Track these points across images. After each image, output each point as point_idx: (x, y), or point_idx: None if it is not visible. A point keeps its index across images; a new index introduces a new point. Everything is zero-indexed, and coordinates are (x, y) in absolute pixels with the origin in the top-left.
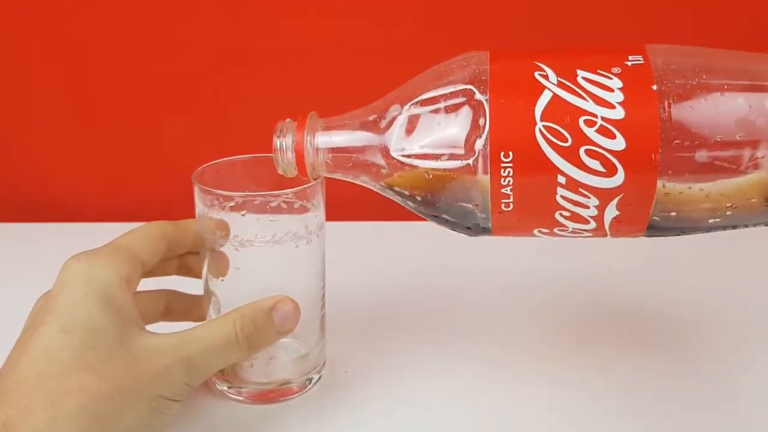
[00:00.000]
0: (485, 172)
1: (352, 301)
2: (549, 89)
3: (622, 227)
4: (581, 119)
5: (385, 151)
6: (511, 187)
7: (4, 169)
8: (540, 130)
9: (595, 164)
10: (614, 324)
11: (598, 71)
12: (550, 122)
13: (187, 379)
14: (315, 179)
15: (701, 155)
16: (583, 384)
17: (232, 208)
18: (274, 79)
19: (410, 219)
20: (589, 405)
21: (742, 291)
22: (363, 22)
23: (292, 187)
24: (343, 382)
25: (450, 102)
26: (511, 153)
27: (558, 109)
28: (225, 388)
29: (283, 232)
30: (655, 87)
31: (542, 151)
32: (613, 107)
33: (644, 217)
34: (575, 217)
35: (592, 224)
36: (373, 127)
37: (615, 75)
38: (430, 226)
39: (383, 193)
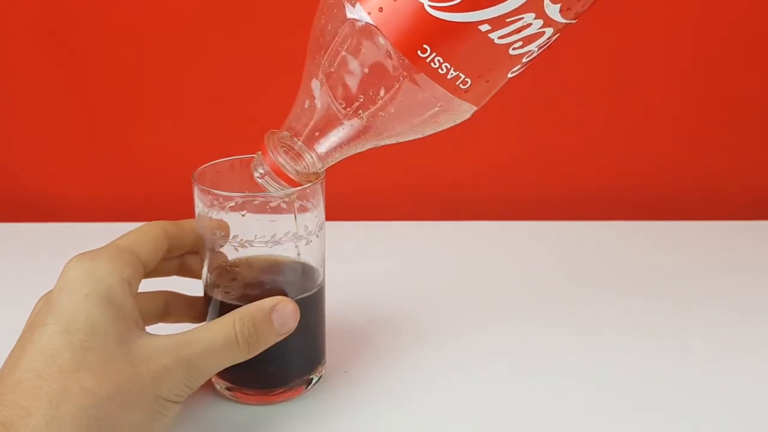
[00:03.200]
0: (424, 78)
1: (352, 301)
2: None
3: (574, 7)
4: None
5: (337, 118)
6: (452, 69)
7: (4, 169)
8: (429, 6)
9: None
10: (617, 321)
11: None
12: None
13: (187, 380)
14: (315, 179)
15: None
16: (585, 384)
17: (232, 209)
18: (274, 79)
19: (410, 219)
20: (592, 407)
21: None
22: None
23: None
24: (343, 382)
25: (347, 45)
26: (425, 46)
27: None
28: (225, 388)
29: (283, 232)
30: None
31: (447, 20)
32: None
33: None
34: (529, 39)
35: (549, 30)
36: (315, 111)
37: None
38: (430, 226)
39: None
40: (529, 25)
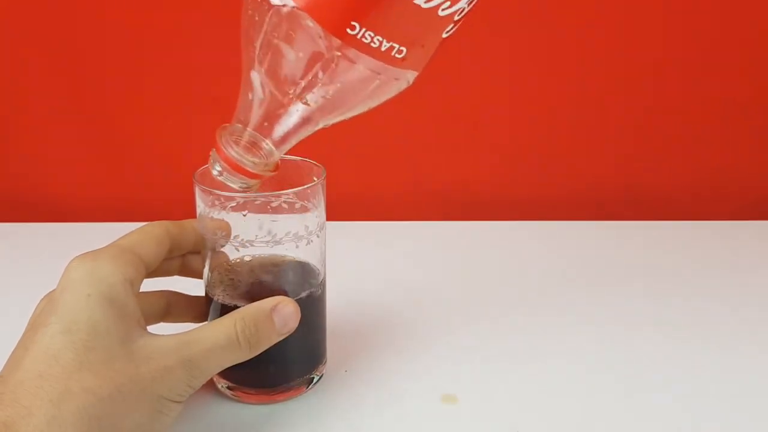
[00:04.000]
0: (357, 54)
1: (352, 301)
2: None
3: None
4: None
5: (282, 105)
6: (385, 40)
7: (4, 169)
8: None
9: None
10: (616, 321)
11: None
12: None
13: (188, 380)
14: (274, 170)
15: None
16: (585, 384)
17: (233, 209)
18: None
19: (411, 219)
20: (591, 406)
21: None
22: None
23: (292, 188)
24: (343, 381)
25: (276, 33)
26: (354, 23)
27: None
28: (226, 387)
29: (284, 232)
30: None
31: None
32: None
33: None
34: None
35: None
36: (260, 102)
37: None
38: (430, 226)
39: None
40: None
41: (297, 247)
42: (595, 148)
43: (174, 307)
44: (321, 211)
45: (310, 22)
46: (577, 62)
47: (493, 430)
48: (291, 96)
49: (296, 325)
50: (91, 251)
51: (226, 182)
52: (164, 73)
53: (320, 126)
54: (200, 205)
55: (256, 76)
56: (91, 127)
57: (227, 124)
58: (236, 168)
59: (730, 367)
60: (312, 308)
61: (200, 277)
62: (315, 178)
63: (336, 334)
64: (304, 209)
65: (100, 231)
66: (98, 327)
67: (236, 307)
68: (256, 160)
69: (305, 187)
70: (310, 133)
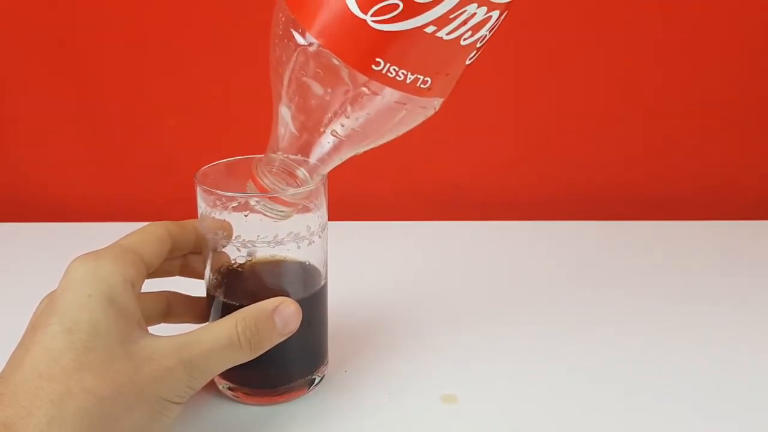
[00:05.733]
0: (383, 88)
1: (354, 302)
2: None
3: None
4: None
5: (313, 138)
6: (409, 73)
7: (4, 169)
8: (372, 21)
9: None
10: (616, 321)
11: None
12: (372, 7)
13: (188, 381)
14: (308, 198)
15: None
16: (585, 384)
17: (235, 209)
18: None
19: (411, 219)
20: (592, 405)
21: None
22: None
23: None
24: (343, 382)
25: (304, 71)
26: (378, 59)
27: None
28: (227, 388)
29: (285, 232)
30: None
31: (391, 31)
32: None
33: None
34: (477, 27)
35: (495, 13)
36: (292, 136)
37: None
38: (430, 226)
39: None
40: (474, 14)
41: (299, 247)
42: (595, 148)
43: (175, 308)
44: (323, 211)
45: (335, 60)
46: (578, 62)
47: (493, 430)
48: (321, 129)
49: (298, 326)
50: (93, 251)
51: (264, 212)
52: (164, 73)
53: (351, 154)
54: (201, 205)
55: (286, 111)
56: (91, 127)
57: (262, 155)
58: (274, 199)
59: (731, 367)
60: (313, 309)
61: (201, 277)
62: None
63: (337, 335)
64: (306, 209)
65: (100, 231)
66: (99, 327)
67: (237, 307)
68: (292, 189)
69: (307, 187)
70: (342, 161)
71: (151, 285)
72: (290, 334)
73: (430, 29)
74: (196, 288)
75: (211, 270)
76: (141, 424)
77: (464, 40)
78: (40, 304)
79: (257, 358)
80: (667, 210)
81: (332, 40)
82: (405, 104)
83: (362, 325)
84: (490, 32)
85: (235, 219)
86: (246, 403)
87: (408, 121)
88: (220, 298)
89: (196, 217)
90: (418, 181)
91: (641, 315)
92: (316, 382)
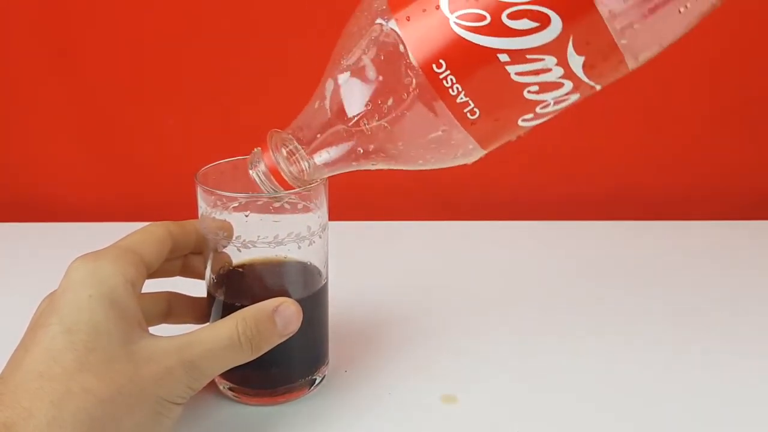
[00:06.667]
0: (433, 95)
1: (354, 302)
2: None
3: (599, 68)
4: None
5: (348, 128)
6: (463, 93)
7: (4, 169)
8: (455, 22)
9: (524, 24)
10: (616, 321)
11: None
12: (460, 10)
13: (189, 382)
14: (308, 185)
15: None
16: (586, 384)
17: (236, 209)
18: (276, 78)
19: (411, 219)
20: (593, 406)
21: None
22: None
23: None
24: (343, 382)
25: (368, 49)
26: (441, 61)
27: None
28: (228, 388)
29: (286, 232)
30: None
31: (468, 40)
32: None
33: (612, 44)
34: (546, 87)
35: (568, 84)
36: (323, 114)
37: None
38: (430, 226)
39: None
40: (549, 70)
41: (299, 247)
42: (595, 148)
43: (175, 308)
44: (323, 211)
45: (401, 48)
46: None
47: (493, 431)
48: (355, 116)
49: (298, 327)
50: (93, 252)
51: (257, 181)
52: (166, 72)
53: (362, 166)
54: (202, 206)
55: (330, 85)
56: (91, 127)
57: (279, 130)
58: (276, 174)
59: (731, 367)
60: (314, 309)
61: (202, 277)
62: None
63: (338, 335)
64: (307, 209)
65: (101, 231)
66: (99, 328)
67: (238, 307)
68: (295, 173)
69: (308, 187)
70: (349, 170)
71: (152, 285)
72: (291, 335)
73: (503, 57)
74: (196, 288)
75: (212, 270)
76: (141, 425)
77: (529, 91)
78: (40, 304)
79: (258, 358)
80: (667, 210)
81: (408, 27)
82: (443, 126)
83: (362, 325)
84: (554, 104)
85: (235, 219)
86: (246, 404)
87: (435, 150)
88: (221, 298)
89: (197, 218)
90: (418, 180)
91: (641, 314)
92: (316, 382)
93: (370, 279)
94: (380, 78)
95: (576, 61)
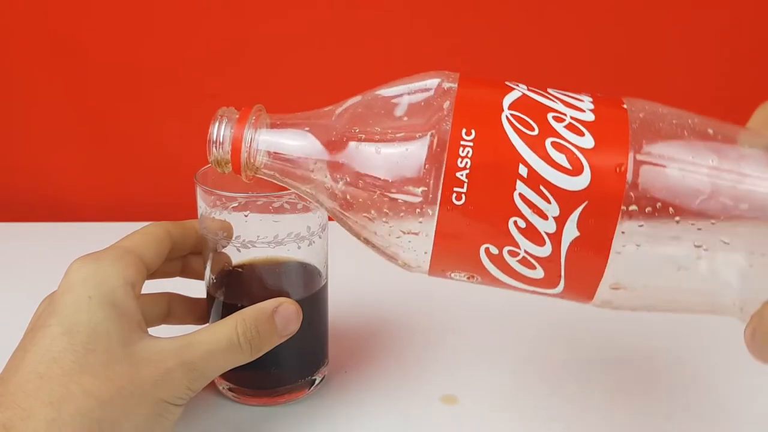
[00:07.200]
0: (442, 149)
1: (353, 302)
2: (518, 90)
3: (579, 261)
4: (549, 115)
5: (334, 167)
6: (467, 171)
7: (4, 169)
8: (507, 116)
9: (561, 158)
10: (616, 320)
11: (568, 92)
12: (516, 111)
13: (188, 383)
14: (248, 180)
15: (672, 171)
16: (587, 384)
17: (235, 209)
18: (276, 79)
19: None
20: (598, 407)
21: None
22: (364, 23)
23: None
24: (343, 382)
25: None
26: (473, 131)
27: (526, 103)
28: (227, 389)
29: (285, 233)
30: (625, 105)
31: (506, 134)
32: (583, 111)
33: (606, 245)
34: (530, 232)
35: (547, 248)
36: (325, 136)
37: (584, 95)
38: None
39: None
40: (546, 217)
41: (299, 247)
42: None
43: (175, 309)
44: (323, 211)
45: (447, 104)
46: (579, 62)
47: (493, 431)
48: (347, 130)
49: (298, 327)
50: (93, 253)
51: (211, 137)
52: (164, 73)
53: (299, 186)
54: (201, 206)
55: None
56: (91, 127)
57: (263, 110)
58: (235, 150)
59: (732, 367)
60: (314, 309)
61: (201, 278)
62: None
63: (337, 335)
64: (306, 209)
65: (101, 231)
66: (99, 329)
67: (238, 308)
68: (252, 163)
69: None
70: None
71: (152, 286)
72: (290, 335)
73: (522, 170)
74: (196, 288)
75: (212, 270)
76: (141, 427)
77: (515, 221)
78: (39, 306)
79: (258, 358)
80: None
81: (462, 109)
82: (426, 191)
83: (362, 325)
84: (517, 263)
85: (235, 219)
86: (246, 404)
87: (392, 220)
88: (221, 298)
89: (197, 218)
90: None
91: (642, 314)
92: (316, 382)
93: (370, 279)
94: (404, 119)
95: (570, 231)
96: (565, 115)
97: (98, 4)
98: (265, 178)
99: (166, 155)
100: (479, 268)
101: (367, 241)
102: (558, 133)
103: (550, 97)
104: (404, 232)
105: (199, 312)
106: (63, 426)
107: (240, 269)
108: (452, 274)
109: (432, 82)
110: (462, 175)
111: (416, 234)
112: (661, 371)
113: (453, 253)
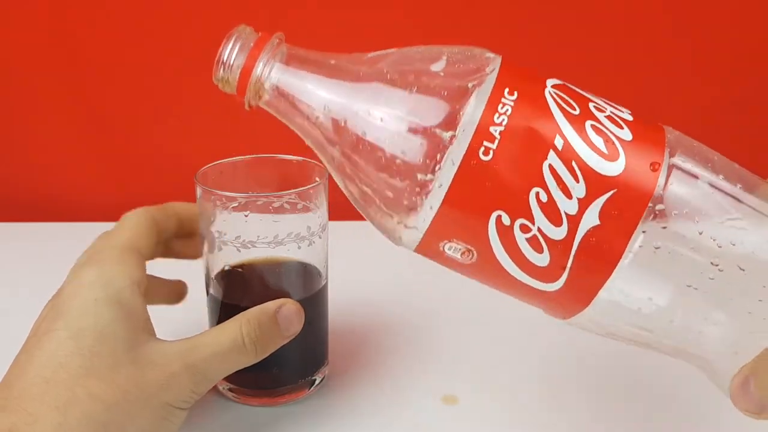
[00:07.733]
0: (481, 101)
1: (353, 302)
2: (559, 80)
3: (590, 253)
4: (590, 104)
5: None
6: (502, 128)
7: (4, 169)
8: (549, 92)
9: (598, 141)
10: None
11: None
12: (560, 91)
13: (193, 386)
14: (249, 108)
15: (703, 185)
16: (587, 384)
17: (235, 209)
18: None
19: None
20: (596, 407)
21: None
22: (364, 23)
23: (295, 188)
24: (343, 382)
25: (458, 96)
26: (516, 92)
27: (568, 89)
28: (228, 389)
29: (285, 233)
30: (663, 127)
31: (548, 105)
32: (623, 112)
33: (624, 240)
34: (550, 208)
35: (563, 230)
36: (350, 76)
37: (623, 108)
38: None
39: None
40: (570, 196)
41: (299, 248)
42: None
43: (149, 291)
44: (323, 211)
45: (469, 108)
46: (579, 62)
47: (493, 431)
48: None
49: (300, 328)
50: (93, 254)
51: (221, 57)
52: (164, 72)
53: (305, 130)
54: (201, 206)
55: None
56: (91, 127)
57: (282, 40)
58: (245, 71)
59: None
60: (314, 309)
61: (182, 258)
62: (317, 179)
63: (337, 335)
64: (306, 209)
65: (101, 231)
66: (106, 332)
67: (238, 308)
68: (258, 93)
69: (307, 187)
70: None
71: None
72: (293, 336)
73: (558, 142)
74: (173, 271)
75: (212, 270)
76: (146, 430)
77: (537, 194)
78: (43, 310)
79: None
80: None
81: (507, 72)
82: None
83: (362, 325)
84: (526, 241)
85: (235, 219)
86: (247, 404)
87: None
88: (221, 298)
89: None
90: None
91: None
92: (316, 382)
93: (370, 279)
94: (431, 99)
95: (589, 218)
96: (606, 108)
97: (98, 4)
98: (266, 108)
99: (166, 155)
100: (482, 239)
101: (363, 195)
102: (598, 119)
103: (590, 94)
104: (415, 179)
105: (174, 293)
106: (69, 430)
107: (240, 269)
108: (447, 245)
109: (477, 50)
110: (495, 131)
111: (427, 184)
112: (662, 372)
113: (461, 214)
